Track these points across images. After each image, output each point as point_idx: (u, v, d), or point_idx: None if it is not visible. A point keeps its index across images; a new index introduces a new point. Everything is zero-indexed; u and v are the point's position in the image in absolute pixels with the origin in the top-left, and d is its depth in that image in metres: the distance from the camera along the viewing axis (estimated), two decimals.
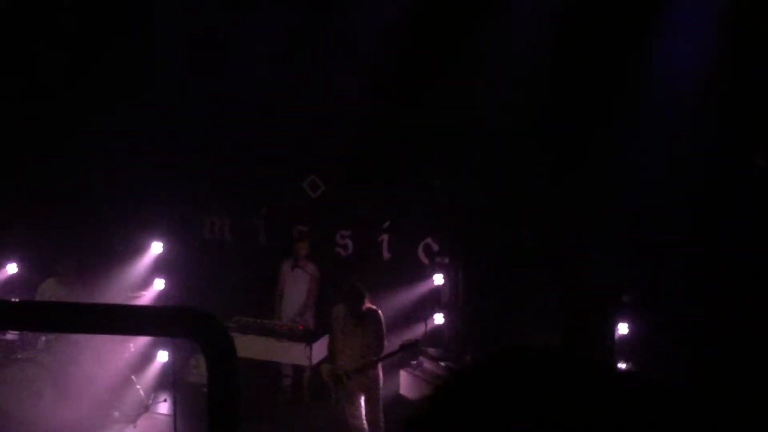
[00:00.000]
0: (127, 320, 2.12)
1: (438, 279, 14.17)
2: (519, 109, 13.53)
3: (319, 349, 12.32)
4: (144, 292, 14.26)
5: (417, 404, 1.27)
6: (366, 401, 11.40)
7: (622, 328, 12.36)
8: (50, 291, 13.44)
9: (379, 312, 11.41)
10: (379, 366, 11.45)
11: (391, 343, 11.67)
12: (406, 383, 12.39)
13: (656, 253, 12.85)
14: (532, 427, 1.15)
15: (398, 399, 12.30)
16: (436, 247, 14.68)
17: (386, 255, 15.09)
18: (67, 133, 15.19)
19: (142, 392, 13.43)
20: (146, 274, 14.72)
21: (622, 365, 11.50)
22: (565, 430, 1.15)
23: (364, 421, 11.43)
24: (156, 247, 14.79)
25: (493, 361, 1.28)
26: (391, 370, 12.34)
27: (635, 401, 1.21)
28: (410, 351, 11.83)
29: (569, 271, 12.96)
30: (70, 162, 15.10)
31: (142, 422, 13.14)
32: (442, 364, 12.35)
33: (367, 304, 11.34)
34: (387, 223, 14.99)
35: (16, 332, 12.79)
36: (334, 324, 11.57)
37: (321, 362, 12.27)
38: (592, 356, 1.30)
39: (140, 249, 14.85)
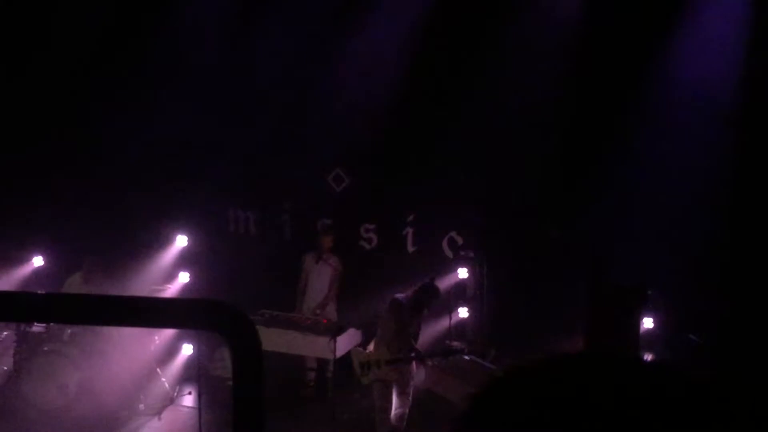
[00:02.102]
0: (153, 312, 2.12)
1: (462, 273, 14.14)
2: (546, 103, 13.52)
3: (343, 342, 12.31)
4: (169, 286, 14.30)
5: (461, 402, 1.24)
6: (395, 393, 11.42)
7: (647, 322, 12.31)
8: (75, 287, 13.48)
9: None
10: (413, 362, 11.53)
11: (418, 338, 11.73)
12: (430, 376, 12.37)
13: (682, 246, 12.81)
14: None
15: (422, 392, 12.28)
16: (460, 241, 14.66)
17: (410, 248, 15.08)
18: (93, 126, 15.24)
19: (167, 385, 13.47)
20: (171, 267, 14.77)
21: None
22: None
23: (391, 415, 11.43)
24: (181, 241, 14.83)
25: (538, 364, 1.26)
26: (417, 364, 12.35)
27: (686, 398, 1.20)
28: (449, 356, 11.92)
29: (594, 265, 12.93)
30: (96, 155, 15.15)
31: (167, 415, 13.19)
32: (467, 358, 12.32)
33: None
34: (411, 217, 14.98)
35: (43, 324, 12.85)
36: (388, 311, 11.64)
37: (345, 354, 12.31)
38: (633, 356, 1.29)
39: (165, 242, 14.90)
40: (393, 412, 11.41)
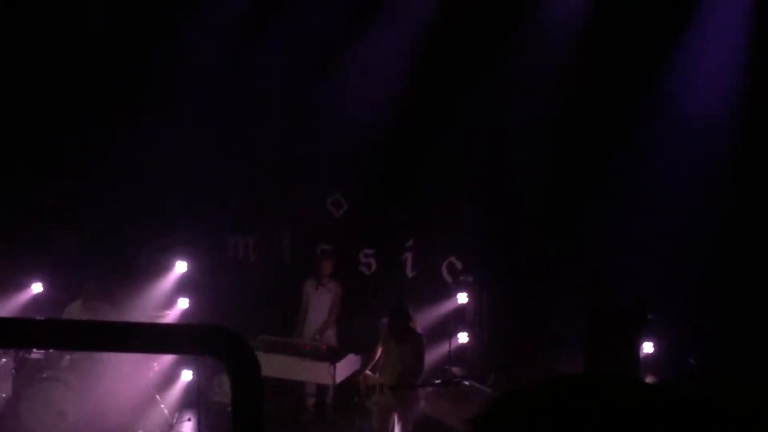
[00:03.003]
0: (152, 338, 2.11)
1: (462, 298, 14.12)
2: (545, 129, 13.55)
3: (343, 367, 12.30)
4: (168, 311, 14.26)
5: (462, 427, 1.25)
6: (397, 420, 11.37)
7: (647, 347, 12.28)
8: (75, 313, 13.45)
9: (422, 336, 11.43)
10: (419, 391, 11.46)
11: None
12: (430, 401, 12.34)
13: (682, 270, 12.80)
14: None
15: (422, 416, 12.24)
16: (460, 266, 14.65)
17: (410, 273, 15.07)
18: (92, 152, 15.25)
19: (166, 411, 13.42)
20: (170, 293, 14.73)
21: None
22: None
23: None
24: (180, 266, 14.80)
25: (533, 389, 1.26)
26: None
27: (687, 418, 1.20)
28: (450, 386, 11.84)
29: (594, 289, 12.91)
30: (96, 180, 15.14)
31: None
32: (467, 383, 12.29)
33: (413, 326, 11.38)
34: (411, 242, 14.97)
35: (41, 351, 12.82)
36: (380, 335, 11.62)
37: (354, 374, 12.29)
38: (633, 378, 1.29)
39: (164, 268, 14.87)
40: None
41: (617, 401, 1.20)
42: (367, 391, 11.53)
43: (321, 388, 13.57)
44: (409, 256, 15.01)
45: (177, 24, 15.13)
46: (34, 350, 12.80)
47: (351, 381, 12.23)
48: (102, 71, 15.20)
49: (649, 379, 11.67)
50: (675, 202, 13.03)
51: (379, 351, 11.55)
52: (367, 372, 11.85)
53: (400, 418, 11.35)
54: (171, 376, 13.87)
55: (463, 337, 14.04)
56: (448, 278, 14.74)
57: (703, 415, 1.20)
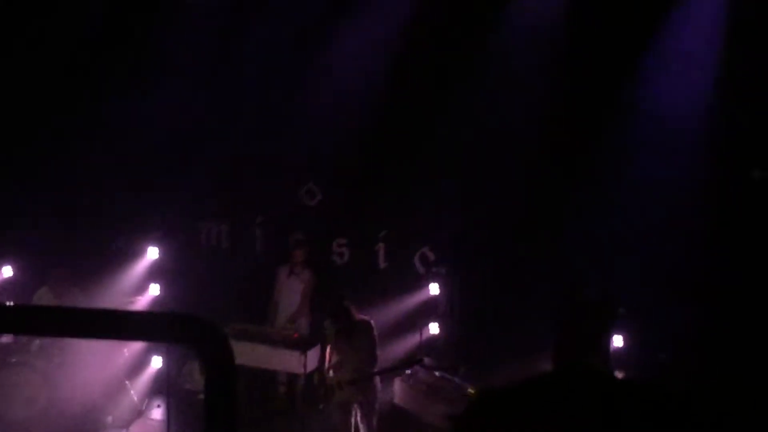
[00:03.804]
0: (124, 325, 2.10)
1: (434, 289, 14.11)
2: (520, 122, 13.56)
3: (313, 357, 12.26)
4: (139, 298, 14.20)
5: (442, 425, 1.26)
6: (359, 412, 11.32)
7: (617, 341, 12.31)
8: (45, 299, 13.39)
9: (371, 323, 11.31)
10: (377, 379, 11.37)
11: (388, 353, 11.62)
12: (400, 392, 12.32)
13: (652, 265, 12.85)
14: None
15: (392, 408, 12.24)
16: (432, 257, 14.66)
17: (382, 264, 15.07)
18: (64, 135, 15.17)
19: (135, 397, 13.39)
20: (142, 279, 14.66)
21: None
22: None
23: None
24: (152, 252, 14.72)
25: (509, 389, 1.28)
26: (386, 380, 12.29)
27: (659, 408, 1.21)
28: (411, 367, 11.76)
29: (565, 282, 12.94)
30: (67, 164, 15.06)
31: (135, 428, 13.11)
32: (437, 374, 12.30)
33: (357, 316, 11.26)
34: (383, 232, 14.97)
35: (10, 336, 12.75)
36: (326, 338, 11.52)
37: (313, 371, 12.24)
38: (601, 371, 1.31)
39: (136, 254, 14.80)
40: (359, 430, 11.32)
41: (591, 397, 1.22)
42: (326, 393, 11.45)
43: (291, 377, 13.55)
44: (381, 246, 15.01)
45: (154, 12, 15.09)
46: (3, 335, 12.75)
47: (312, 382, 12.16)
48: (79, 47, 15.11)
49: (619, 374, 11.71)
50: (648, 198, 13.07)
51: (329, 351, 11.47)
52: (316, 374, 11.77)
53: (363, 411, 11.30)
54: (141, 363, 13.83)
55: (434, 328, 14.03)
56: (420, 269, 14.75)
57: (672, 409, 1.22)
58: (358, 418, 11.31)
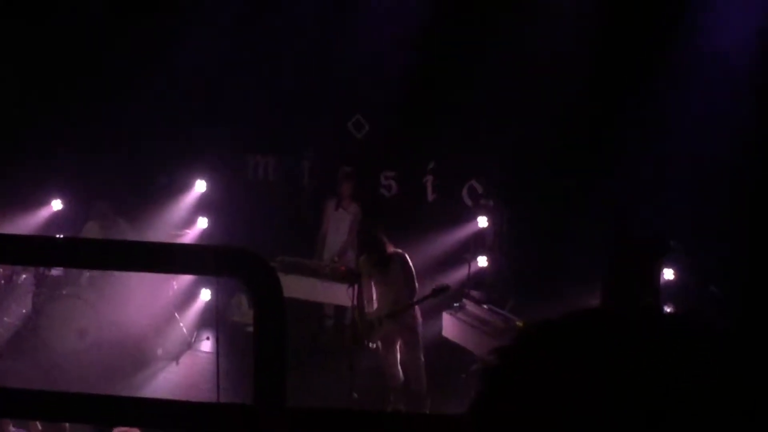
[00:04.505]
0: (173, 258, 2.08)
1: (482, 221, 14.05)
2: (570, 54, 13.41)
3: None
4: (187, 231, 14.27)
5: (486, 357, 1.21)
6: (403, 346, 11.30)
7: (668, 274, 12.23)
8: (94, 232, 13.48)
9: (405, 255, 11.24)
10: (417, 310, 11.33)
11: (432, 283, 11.57)
12: (448, 326, 12.33)
13: (705, 199, 12.73)
14: (607, 386, 1.10)
15: (441, 341, 12.25)
16: (480, 189, 14.60)
17: (430, 196, 15.04)
18: (113, 70, 15.19)
19: (185, 330, 13.50)
20: (190, 212, 14.73)
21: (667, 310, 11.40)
22: (640, 388, 1.10)
23: (399, 368, 11.35)
24: (200, 186, 14.77)
25: (564, 320, 1.22)
26: (434, 313, 12.29)
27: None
28: (441, 296, 11.67)
29: (615, 215, 12.85)
30: (116, 98, 15.07)
31: (185, 360, 13.23)
32: (485, 307, 12.27)
33: (390, 249, 11.19)
34: (432, 164, 14.91)
35: (60, 268, 12.87)
36: (362, 274, 11.47)
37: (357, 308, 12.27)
38: (657, 309, 1.25)
39: (184, 187, 14.85)
40: (403, 364, 11.31)
41: (637, 333, 1.17)
42: (367, 330, 11.43)
43: (339, 310, 13.59)
44: (429, 178, 14.96)
45: None
46: (53, 268, 12.86)
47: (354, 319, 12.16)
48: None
49: (669, 308, 11.66)
50: (698, 131, 12.91)
51: (366, 286, 11.43)
52: (364, 309, 11.71)
53: (406, 345, 11.29)
54: (190, 296, 13.93)
55: (482, 261, 14.01)
56: (468, 201, 14.70)
57: (724, 346, 1.16)
58: (403, 352, 11.31)
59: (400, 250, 11.28)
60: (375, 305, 11.27)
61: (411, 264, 11.18)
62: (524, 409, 1.13)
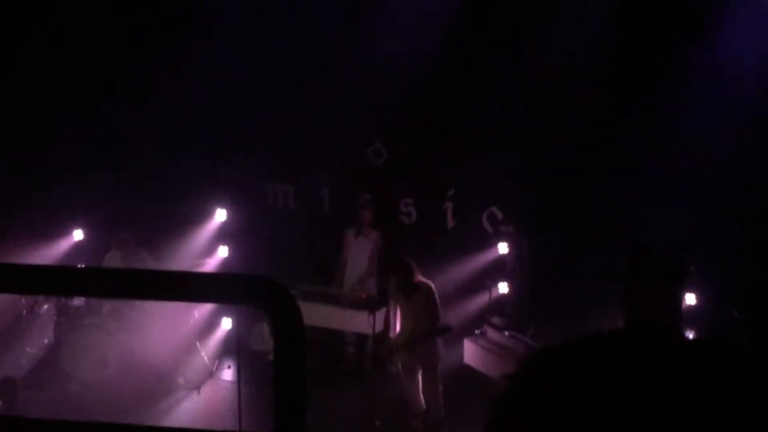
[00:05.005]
0: (194, 287, 2.10)
1: (502, 248, 14.06)
2: (584, 76, 13.40)
3: (382, 317, 12.28)
4: (208, 260, 14.33)
5: (500, 381, 1.21)
6: (423, 374, 11.34)
7: (690, 299, 12.19)
8: (115, 262, 13.54)
9: (432, 286, 11.29)
10: (438, 341, 11.36)
11: (458, 313, 11.60)
12: (470, 352, 12.33)
13: (727, 221, 12.67)
14: (618, 405, 1.10)
15: (462, 368, 12.25)
16: (500, 216, 14.58)
17: (450, 223, 15.02)
18: (131, 99, 15.26)
19: (206, 359, 13.53)
20: (210, 241, 14.78)
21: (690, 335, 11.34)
22: (656, 407, 1.09)
23: (421, 396, 11.38)
24: (220, 215, 14.83)
25: (570, 346, 1.22)
26: (455, 340, 12.29)
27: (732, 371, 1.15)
28: (446, 334, 11.69)
29: (635, 240, 12.81)
30: (136, 129, 15.14)
31: (206, 389, 13.24)
32: (507, 333, 12.27)
33: (418, 278, 11.24)
34: (451, 191, 14.91)
35: (82, 298, 12.92)
36: (391, 295, 11.54)
37: (381, 332, 12.28)
38: (671, 331, 1.25)
39: (205, 216, 14.90)
40: (422, 391, 11.34)
41: (658, 358, 1.16)
42: (388, 354, 11.49)
43: (360, 338, 13.59)
44: (449, 205, 14.95)
45: None
46: (75, 298, 12.91)
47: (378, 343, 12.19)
48: (136, 17, 15.20)
49: (691, 333, 11.60)
50: (720, 151, 12.87)
51: (393, 310, 11.48)
52: (388, 337, 11.76)
53: (425, 374, 11.32)
54: (211, 324, 13.97)
55: (503, 288, 14.00)
56: (488, 228, 14.68)
57: (748, 369, 1.16)
58: (424, 380, 11.33)
59: (427, 281, 11.32)
60: (398, 330, 11.33)
61: (436, 296, 11.22)
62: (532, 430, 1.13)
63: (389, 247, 13.77)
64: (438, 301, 11.31)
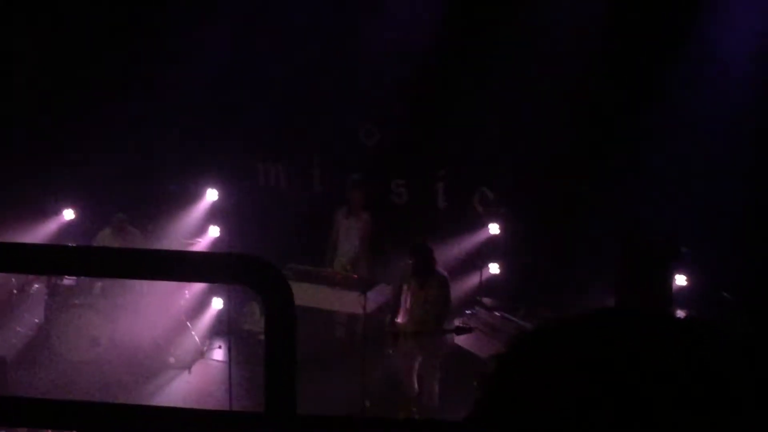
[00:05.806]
0: (185, 266, 2.09)
1: (493, 228, 14.05)
2: (579, 56, 13.38)
3: (374, 297, 12.24)
4: (199, 239, 14.30)
5: (490, 361, 1.22)
6: (424, 361, 11.30)
7: (680, 280, 12.22)
8: (106, 241, 13.51)
9: (447, 279, 11.27)
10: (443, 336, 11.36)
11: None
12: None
13: (716, 204, 12.69)
14: (605, 386, 1.10)
15: (453, 348, 12.25)
16: (492, 196, 14.58)
17: (441, 204, 15.01)
18: (123, 78, 15.21)
19: (197, 338, 13.53)
20: (201, 221, 14.75)
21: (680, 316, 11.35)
22: (640, 388, 1.09)
23: (415, 380, 11.35)
24: (211, 195, 14.80)
25: (557, 327, 1.22)
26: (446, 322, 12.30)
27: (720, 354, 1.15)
28: (463, 334, 11.68)
29: (626, 222, 12.82)
30: (126, 108, 15.08)
31: (197, 368, 13.26)
32: (498, 314, 12.28)
33: (436, 267, 11.21)
34: (442, 172, 14.89)
35: (73, 278, 12.91)
36: (402, 279, 11.44)
37: (380, 311, 12.25)
38: (661, 311, 1.25)
39: (195, 196, 14.87)
40: (423, 386, 11.32)
41: (646, 338, 1.16)
42: (392, 338, 11.45)
43: (351, 318, 13.58)
44: (440, 186, 14.93)
45: None
46: (66, 277, 12.90)
47: (380, 324, 12.16)
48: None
49: (681, 314, 11.63)
50: (710, 134, 12.87)
51: (404, 293, 11.44)
52: (395, 320, 11.68)
53: (426, 361, 11.29)
54: (202, 304, 13.96)
55: (494, 268, 14.01)
56: (479, 208, 14.67)
57: (737, 351, 1.16)
58: (422, 366, 11.31)
59: (444, 273, 11.29)
60: (406, 315, 11.24)
61: (449, 291, 11.20)
62: (519, 413, 1.13)
63: (380, 228, 13.78)
64: (451, 295, 11.30)
